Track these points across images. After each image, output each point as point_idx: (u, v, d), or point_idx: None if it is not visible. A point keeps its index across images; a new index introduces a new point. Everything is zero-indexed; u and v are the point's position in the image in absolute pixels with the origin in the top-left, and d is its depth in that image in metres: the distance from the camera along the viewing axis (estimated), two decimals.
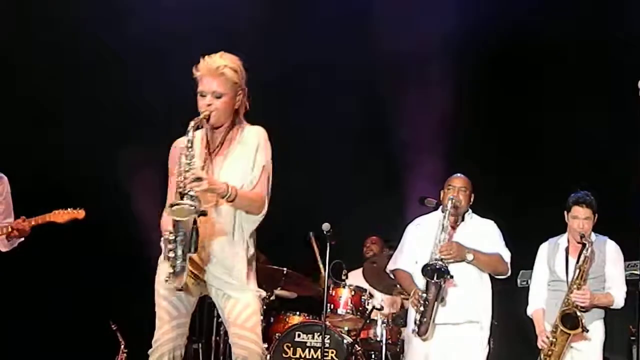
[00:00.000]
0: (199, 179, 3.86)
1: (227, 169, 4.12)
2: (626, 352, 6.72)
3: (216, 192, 3.98)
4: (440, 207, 5.90)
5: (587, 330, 5.49)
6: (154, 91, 7.81)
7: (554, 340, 5.52)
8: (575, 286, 5.53)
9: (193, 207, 3.83)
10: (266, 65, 7.98)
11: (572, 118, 7.89)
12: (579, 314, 5.45)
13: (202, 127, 4.15)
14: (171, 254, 3.91)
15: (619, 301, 5.67)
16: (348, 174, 8.48)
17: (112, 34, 7.78)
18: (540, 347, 5.63)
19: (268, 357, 6.94)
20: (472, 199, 5.90)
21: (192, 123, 3.98)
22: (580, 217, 5.68)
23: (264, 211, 4.15)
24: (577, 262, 5.58)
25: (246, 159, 4.13)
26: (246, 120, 4.24)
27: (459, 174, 5.93)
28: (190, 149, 3.92)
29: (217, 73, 4.07)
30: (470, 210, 5.92)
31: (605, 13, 7.80)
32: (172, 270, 3.94)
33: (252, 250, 4.24)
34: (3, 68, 7.58)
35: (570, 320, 5.46)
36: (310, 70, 8.28)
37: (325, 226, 6.62)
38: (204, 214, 3.92)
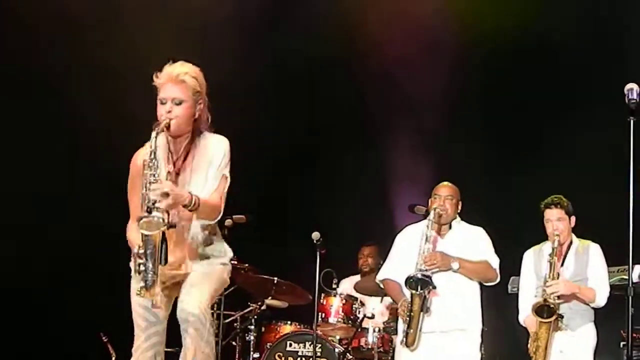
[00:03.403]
0: (165, 194, 3.89)
1: (191, 181, 4.16)
2: (617, 357, 6.72)
3: (181, 203, 3.99)
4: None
5: (562, 317, 5.52)
6: None
7: (536, 335, 5.54)
8: (549, 280, 5.56)
9: (162, 221, 3.86)
10: (256, 71, 8.05)
11: (570, 123, 7.90)
12: (549, 300, 5.48)
13: (160, 133, 4.08)
14: (141, 268, 3.93)
15: (600, 299, 5.69)
16: (338, 181, 8.48)
17: None
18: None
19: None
20: (459, 207, 5.89)
21: (153, 132, 3.99)
22: (552, 218, 5.75)
23: (218, 217, 4.20)
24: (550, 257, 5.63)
25: (208, 169, 4.16)
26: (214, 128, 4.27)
27: (445, 182, 5.92)
28: (153, 160, 3.94)
29: (178, 80, 4.08)
30: (458, 218, 5.92)
31: None
32: (143, 284, 3.94)
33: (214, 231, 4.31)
34: None
35: (546, 310, 5.49)
36: (300, 77, 8.29)
37: (315, 235, 6.62)
38: (172, 226, 3.97)
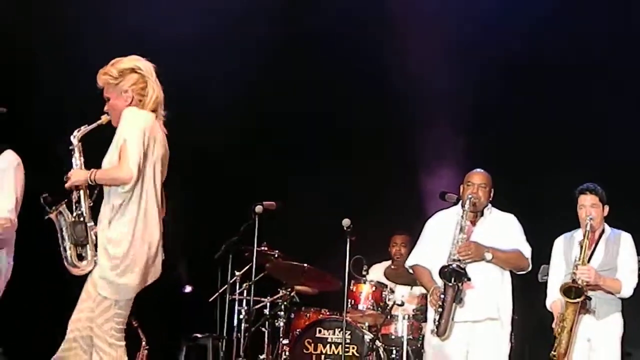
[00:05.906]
0: (67, 178, 4.41)
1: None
2: None
3: (80, 179, 4.43)
4: (460, 202, 5.88)
5: (590, 298, 5.51)
6: None
7: (562, 316, 5.52)
8: (580, 262, 5.53)
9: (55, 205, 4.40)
10: (286, 64, 8.07)
11: (593, 114, 7.86)
12: (579, 283, 5.45)
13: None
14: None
15: (626, 290, 5.64)
16: (368, 169, 8.48)
17: None
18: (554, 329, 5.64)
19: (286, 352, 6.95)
20: (492, 195, 5.85)
21: (82, 128, 4.50)
22: (586, 204, 5.71)
23: (130, 176, 4.34)
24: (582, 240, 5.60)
25: (113, 142, 4.43)
26: None
27: (478, 170, 5.87)
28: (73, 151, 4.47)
29: (99, 81, 4.54)
30: (489, 205, 5.88)
31: None
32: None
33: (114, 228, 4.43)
34: None
35: (574, 291, 5.46)
36: (329, 65, 8.30)
37: (346, 222, 6.62)
38: (62, 205, 4.40)
